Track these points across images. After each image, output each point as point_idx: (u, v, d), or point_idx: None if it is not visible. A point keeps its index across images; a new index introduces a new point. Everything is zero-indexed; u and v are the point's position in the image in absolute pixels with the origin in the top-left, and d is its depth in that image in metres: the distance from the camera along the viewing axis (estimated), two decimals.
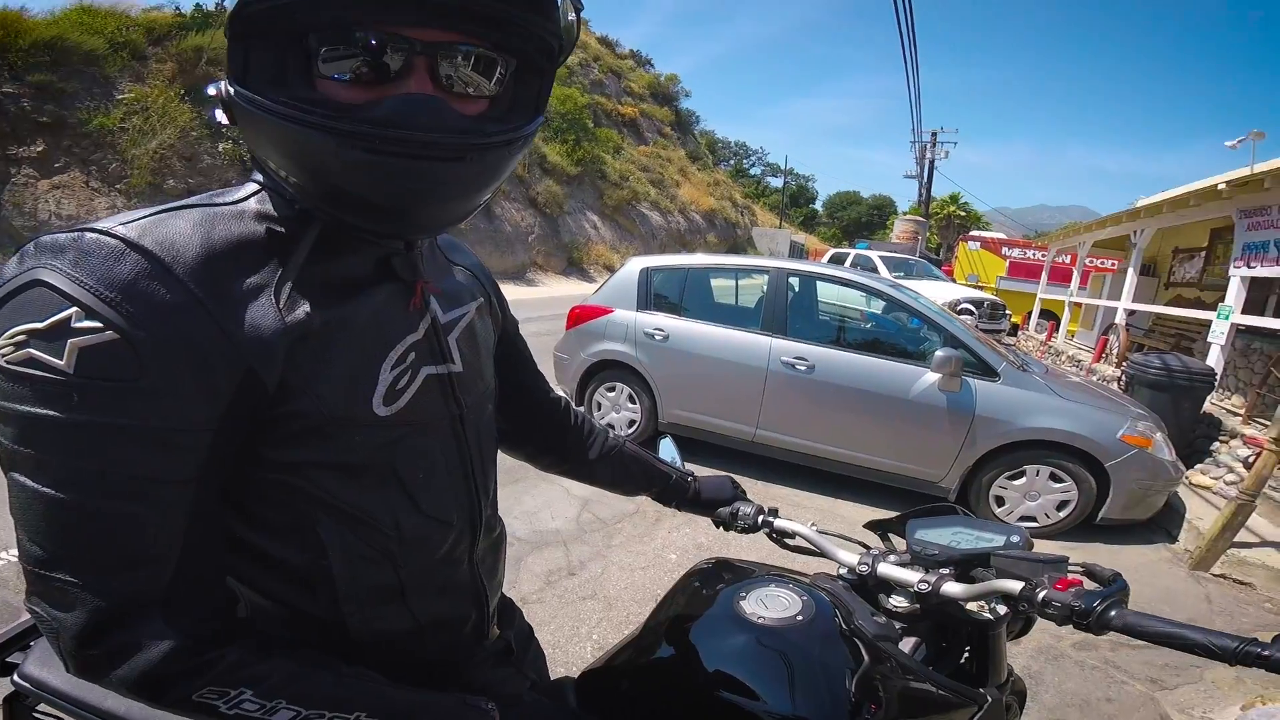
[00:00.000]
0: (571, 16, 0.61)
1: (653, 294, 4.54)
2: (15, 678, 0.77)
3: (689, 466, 1.19)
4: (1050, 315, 12.86)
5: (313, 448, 0.57)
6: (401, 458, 0.63)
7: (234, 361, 0.51)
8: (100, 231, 0.48)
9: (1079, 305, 11.91)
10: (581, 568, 2.97)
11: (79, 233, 0.48)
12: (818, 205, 64.94)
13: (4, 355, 0.46)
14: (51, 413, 0.46)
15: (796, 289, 4.37)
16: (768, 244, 30.73)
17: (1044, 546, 3.49)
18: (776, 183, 57.45)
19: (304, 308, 0.55)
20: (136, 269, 0.48)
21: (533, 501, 3.54)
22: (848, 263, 13.52)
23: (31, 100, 9.13)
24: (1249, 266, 6.14)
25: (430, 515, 0.66)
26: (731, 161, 58.40)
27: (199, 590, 0.53)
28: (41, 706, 0.80)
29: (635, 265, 4.66)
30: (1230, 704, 2.39)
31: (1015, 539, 0.91)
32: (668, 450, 1.21)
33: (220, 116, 0.58)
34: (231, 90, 0.54)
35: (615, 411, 4.63)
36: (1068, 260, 13.29)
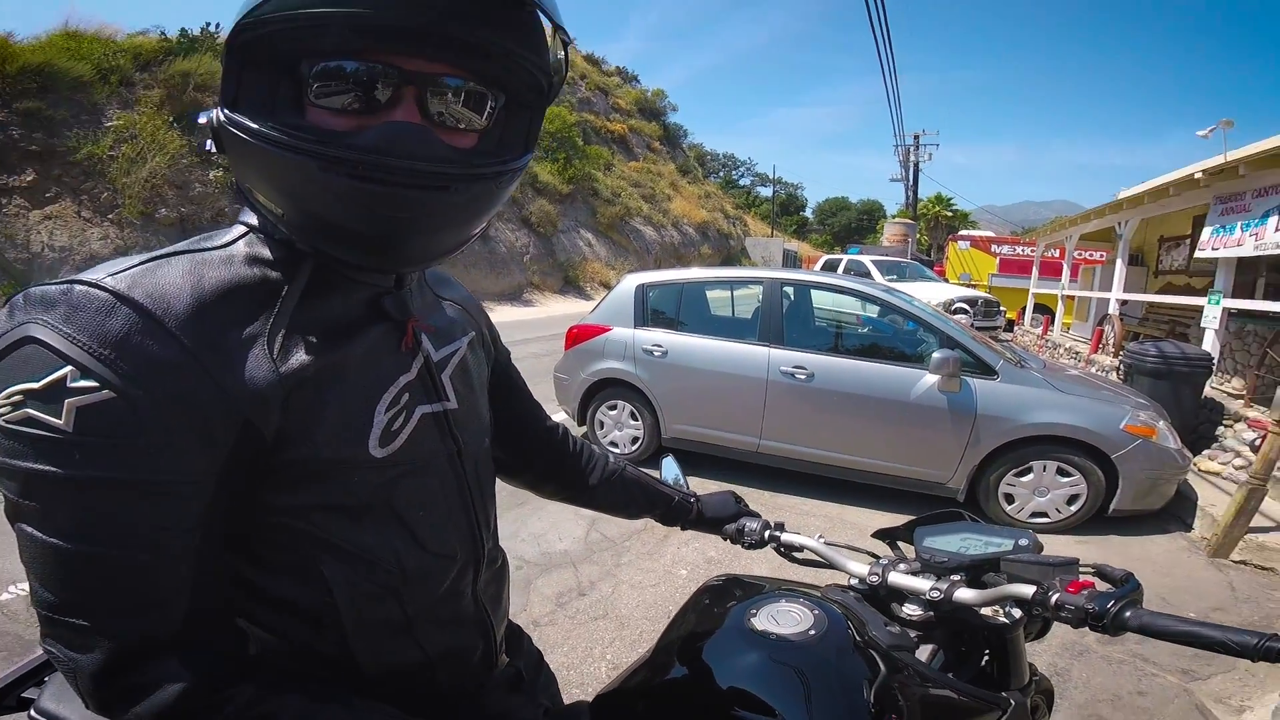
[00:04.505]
0: (561, 54, 0.61)
1: (649, 310, 4.55)
2: (32, 713, 0.77)
3: (694, 481, 1.18)
4: (1045, 310, 12.89)
5: (312, 491, 0.58)
6: (400, 497, 0.63)
7: (230, 414, 0.51)
8: (90, 284, 0.48)
9: (1071, 298, 11.94)
10: (592, 588, 2.95)
11: (69, 285, 0.48)
12: (808, 213, 65.24)
13: (2, 415, 0.46)
14: (53, 469, 0.46)
15: (792, 298, 4.39)
16: (761, 253, 30.84)
17: (1058, 541, 3.48)
18: (766, 192, 57.91)
19: (298, 355, 0.55)
20: (128, 324, 0.48)
21: (539, 524, 3.52)
22: (841, 269, 13.57)
23: (20, 128, 8.91)
24: (1213, 249, 6.23)
25: (432, 551, 0.66)
26: (721, 174, 58.65)
27: (211, 630, 0.53)
28: None
29: (631, 282, 4.68)
30: (1269, 691, 2.34)
31: (1024, 542, 0.92)
32: (670, 470, 1.21)
33: (211, 145, 0.58)
34: (222, 116, 0.54)
35: (618, 430, 4.61)
36: (1057, 254, 13.35)
